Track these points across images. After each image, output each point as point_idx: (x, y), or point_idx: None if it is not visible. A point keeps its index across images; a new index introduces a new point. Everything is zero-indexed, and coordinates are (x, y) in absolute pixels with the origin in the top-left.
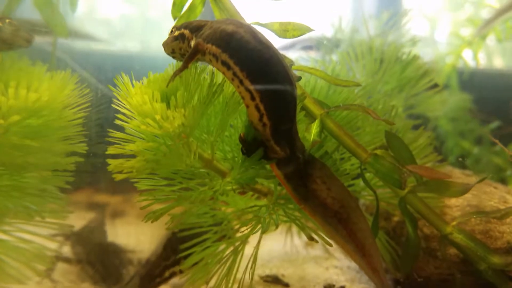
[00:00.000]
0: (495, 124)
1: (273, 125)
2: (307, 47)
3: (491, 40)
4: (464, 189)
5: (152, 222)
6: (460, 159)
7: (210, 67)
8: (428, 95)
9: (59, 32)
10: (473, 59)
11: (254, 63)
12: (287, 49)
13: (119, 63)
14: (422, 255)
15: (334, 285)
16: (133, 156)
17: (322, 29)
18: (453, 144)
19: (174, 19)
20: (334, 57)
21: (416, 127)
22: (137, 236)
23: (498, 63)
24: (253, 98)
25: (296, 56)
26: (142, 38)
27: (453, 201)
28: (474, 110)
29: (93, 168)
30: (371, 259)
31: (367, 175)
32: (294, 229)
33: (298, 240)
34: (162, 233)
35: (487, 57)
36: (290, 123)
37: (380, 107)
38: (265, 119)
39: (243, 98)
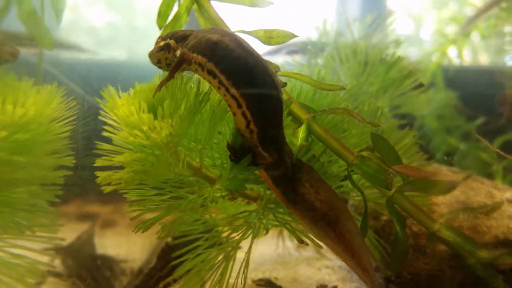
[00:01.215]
0: (480, 120)
1: (260, 132)
2: (292, 52)
3: (476, 37)
4: (450, 187)
5: (142, 232)
6: (445, 157)
7: (196, 76)
8: (413, 95)
9: (44, 44)
10: (457, 56)
11: (239, 71)
12: (273, 54)
13: (105, 73)
14: (412, 252)
15: (326, 285)
16: (121, 167)
17: (307, 33)
18: (440, 142)
19: (160, 28)
20: (320, 60)
21: (402, 127)
22: (128, 246)
23: (484, 59)
24: (239, 106)
25: (282, 61)
26: (128, 47)
27: (440, 199)
28: (460, 107)
29: (81, 181)
30: (360, 259)
31: (355, 176)
32: (285, 232)
33: (289, 243)
34: (154, 241)
35: (472, 54)
36: (277, 129)
37: (365, 108)
38: (252, 125)
39: (229, 106)
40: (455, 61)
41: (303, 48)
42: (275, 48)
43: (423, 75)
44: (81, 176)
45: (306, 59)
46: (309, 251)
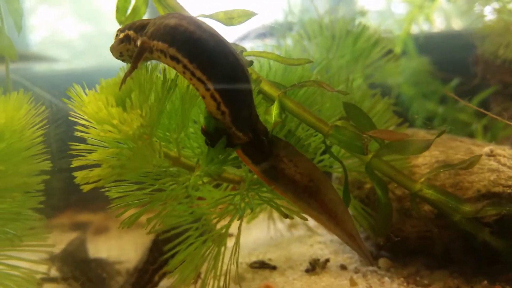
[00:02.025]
0: (455, 81)
1: (232, 112)
2: (261, 35)
3: (444, 2)
4: (426, 145)
5: (128, 227)
6: (427, 122)
7: (162, 65)
8: (385, 63)
9: (8, 53)
10: (426, 22)
11: (202, 53)
12: (242, 40)
13: (75, 79)
14: (398, 216)
15: (319, 259)
16: (99, 165)
17: (274, 15)
18: (418, 108)
19: (120, 23)
20: (289, 40)
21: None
22: (121, 248)
23: (457, 24)
24: (207, 88)
25: (251, 45)
26: (101, 54)
27: (420, 160)
28: (434, 72)
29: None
30: (345, 225)
31: (336, 149)
32: (276, 215)
33: (281, 225)
34: (146, 240)
35: (445, 21)
36: (249, 107)
37: (338, 79)
38: (222, 107)
39: (197, 89)
40: (425, 28)
41: (271, 30)
42: (244, 34)
43: (392, 43)
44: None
45: (275, 40)
46: (300, 230)
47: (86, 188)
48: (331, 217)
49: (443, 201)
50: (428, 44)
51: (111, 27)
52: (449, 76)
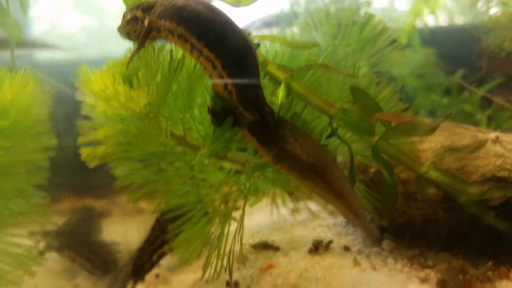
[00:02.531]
0: (460, 72)
1: (239, 91)
2: (267, 24)
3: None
4: (433, 127)
5: (134, 203)
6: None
7: (169, 45)
8: (390, 53)
9: (12, 34)
10: (431, 15)
11: (209, 32)
12: (248, 29)
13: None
14: (403, 199)
15: (322, 241)
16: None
17: (280, 4)
18: (422, 99)
19: (127, 7)
20: (295, 29)
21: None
22: (123, 231)
23: (459, 20)
24: (214, 67)
25: (257, 33)
26: (102, 46)
27: (426, 145)
28: (439, 64)
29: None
30: (350, 204)
31: (339, 132)
32: (279, 199)
33: (284, 210)
34: (148, 224)
35: (448, 17)
36: (256, 87)
37: (344, 66)
38: (229, 86)
39: (205, 68)
40: (431, 22)
41: (277, 19)
42: (250, 22)
43: (397, 34)
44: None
45: (281, 29)
46: (303, 214)
47: (92, 164)
48: (337, 196)
49: (449, 183)
50: (432, 38)
51: (113, 22)
52: (453, 68)
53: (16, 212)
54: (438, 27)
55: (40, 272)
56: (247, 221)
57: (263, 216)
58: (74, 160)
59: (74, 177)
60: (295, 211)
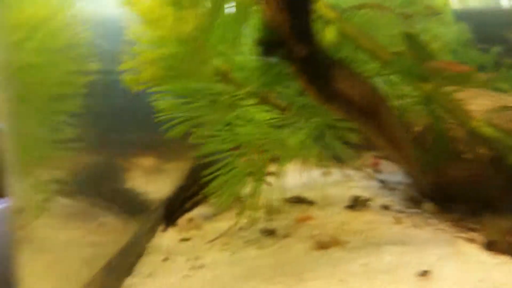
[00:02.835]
0: (496, 49)
1: (291, 20)
2: None
3: None
4: (489, 78)
5: (174, 137)
6: None
7: None
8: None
9: None
10: None
11: None
12: None
13: None
14: (449, 159)
15: (359, 197)
16: None
17: None
18: None
19: None
20: None
21: None
22: (155, 183)
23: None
24: None
25: None
26: None
27: (473, 107)
28: (473, 41)
29: None
30: (403, 151)
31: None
32: (310, 162)
33: (315, 172)
34: (180, 175)
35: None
36: (308, 19)
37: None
38: (282, 13)
39: None
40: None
41: None
42: None
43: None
44: None
45: None
46: (335, 176)
47: (134, 88)
48: (389, 140)
49: (501, 140)
50: (467, 18)
51: None
52: (488, 47)
53: None
54: (474, 7)
55: None
56: (275, 181)
57: (291, 178)
58: None
59: None
60: (326, 173)
